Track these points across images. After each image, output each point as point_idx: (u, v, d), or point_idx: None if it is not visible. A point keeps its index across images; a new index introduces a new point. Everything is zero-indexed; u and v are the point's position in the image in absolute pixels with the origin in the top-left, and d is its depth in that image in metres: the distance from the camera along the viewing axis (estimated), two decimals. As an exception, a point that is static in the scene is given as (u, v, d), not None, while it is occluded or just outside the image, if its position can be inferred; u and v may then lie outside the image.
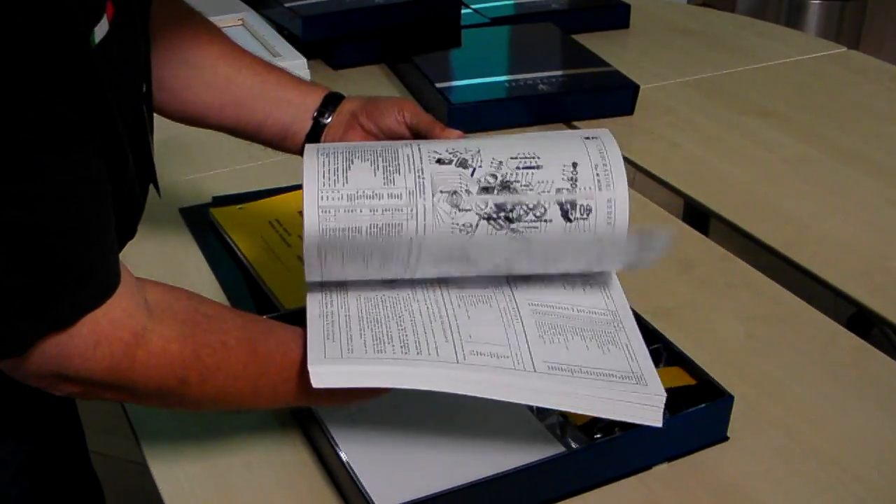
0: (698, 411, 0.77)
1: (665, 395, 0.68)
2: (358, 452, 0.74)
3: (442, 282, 0.74)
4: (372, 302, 0.72)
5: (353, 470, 0.71)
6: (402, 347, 0.68)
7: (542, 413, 0.79)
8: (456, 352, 0.68)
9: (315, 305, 0.72)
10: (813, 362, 0.88)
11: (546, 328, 0.71)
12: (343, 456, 0.72)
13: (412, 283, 0.74)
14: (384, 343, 0.68)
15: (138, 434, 0.80)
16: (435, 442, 0.77)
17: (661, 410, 0.67)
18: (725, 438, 0.79)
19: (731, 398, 0.78)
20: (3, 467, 0.79)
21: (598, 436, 0.76)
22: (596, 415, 0.67)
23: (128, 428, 0.81)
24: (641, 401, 0.67)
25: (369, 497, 0.68)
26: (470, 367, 0.67)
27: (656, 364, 0.71)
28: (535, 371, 0.68)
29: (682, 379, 0.80)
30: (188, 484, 0.75)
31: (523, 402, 0.68)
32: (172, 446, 0.79)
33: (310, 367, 0.65)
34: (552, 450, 0.75)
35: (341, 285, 0.74)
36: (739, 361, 0.88)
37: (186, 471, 0.76)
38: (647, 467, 0.76)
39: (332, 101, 0.85)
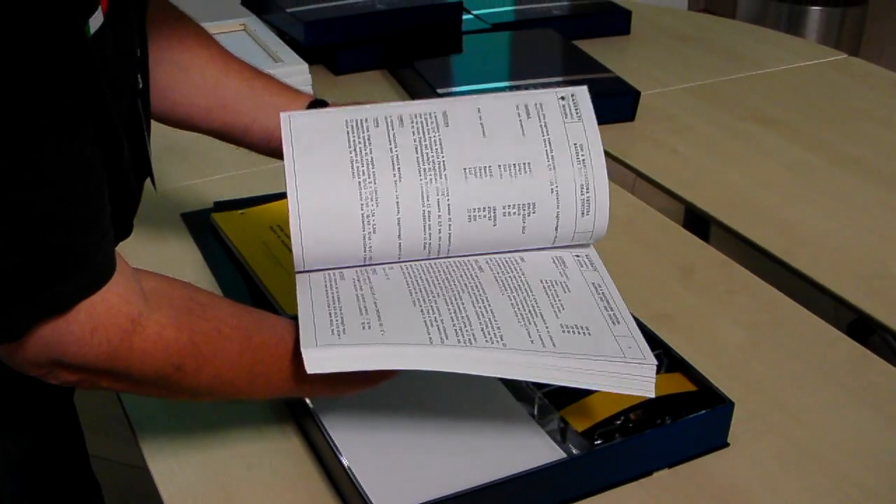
0: (699, 417, 0.77)
1: (656, 363, 0.67)
2: (359, 457, 0.74)
3: (417, 266, 0.75)
4: (357, 288, 0.73)
5: (354, 475, 0.71)
6: (389, 331, 0.68)
7: (542, 418, 0.79)
8: (441, 333, 0.68)
9: (304, 291, 0.72)
10: (813, 368, 0.88)
11: (526, 307, 0.71)
12: (344, 461, 0.72)
13: (392, 271, 0.74)
14: (373, 327, 0.68)
15: (137, 434, 0.80)
16: (435, 447, 0.77)
17: (653, 381, 0.67)
18: (726, 444, 0.79)
19: (731, 404, 0.78)
20: (0, 463, 0.79)
21: (599, 441, 0.76)
22: (586, 387, 0.67)
23: (125, 431, 0.81)
24: (632, 372, 0.67)
25: (371, 503, 0.68)
26: (460, 346, 0.67)
27: (657, 370, 0.71)
28: (520, 349, 0.67)
29: (683, 385, 0.81)
30: (187, 484, 0.75)
31: (518, 377, 0.68)
32: (172, 446, 0.79)
33: (303, 351, 0.65)
34: (553, 455, 0.75)
35: (327, 273, 0.75)
36: (740, 367, 0.88)
37: (186, 471, 0.76)
38: (648, 473, 0.76)
39: (316, 107, 0.86)
